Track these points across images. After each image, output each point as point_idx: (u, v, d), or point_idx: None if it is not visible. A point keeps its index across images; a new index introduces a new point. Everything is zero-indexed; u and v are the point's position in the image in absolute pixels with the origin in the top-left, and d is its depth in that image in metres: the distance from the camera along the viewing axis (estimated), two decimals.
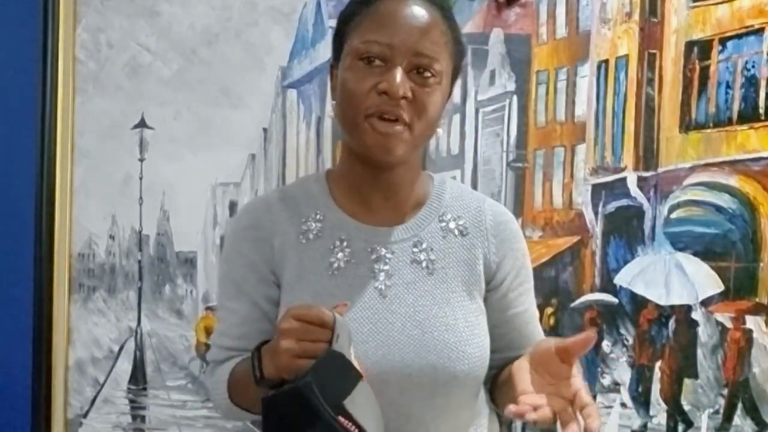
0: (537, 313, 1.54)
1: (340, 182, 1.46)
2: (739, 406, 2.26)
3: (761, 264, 2.23)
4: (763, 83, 2.22)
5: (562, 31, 2.40)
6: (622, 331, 2.34)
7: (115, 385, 2.48)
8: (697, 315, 2.29)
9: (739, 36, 2.25)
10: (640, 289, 2.33)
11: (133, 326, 2.48)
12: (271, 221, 1.42)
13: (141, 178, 2.44)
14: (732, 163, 2.25)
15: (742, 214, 2.25)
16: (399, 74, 1.33)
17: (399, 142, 1.35)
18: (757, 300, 2.23)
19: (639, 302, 2.33)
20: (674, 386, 2.31)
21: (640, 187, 2.33)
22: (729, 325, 2.26)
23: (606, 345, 2.36)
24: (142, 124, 2.43)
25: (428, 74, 1.35)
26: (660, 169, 2.32)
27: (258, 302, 1.42)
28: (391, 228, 1.43)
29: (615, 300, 2.34)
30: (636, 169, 2.33)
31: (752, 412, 2.25)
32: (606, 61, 2.37)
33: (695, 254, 2.29)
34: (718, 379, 2.28)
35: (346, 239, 1.41)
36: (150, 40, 2.43)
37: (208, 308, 2.48)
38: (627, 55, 2.35)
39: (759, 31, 2.22)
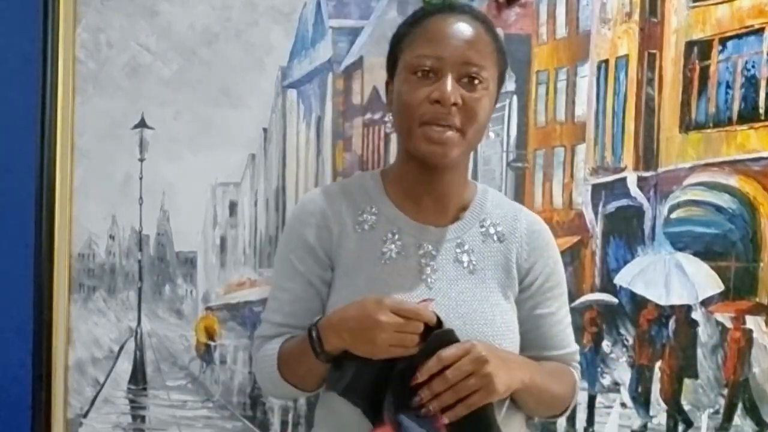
0: (567, 319, 1.64)
1: (394, 181, 1.59)
2: (739, 406, 2.26)
3: (761, 264, 2.23)
4: (763, 83, 2.23)
5: (562, 31, 2.40)
6: (622, 331, 2.35)
7: (115, 385, 2.48)
8: (697, 315, 2.29)
9: (739, 36, 2.25)
10: (640, 289, 2.33)
11: (133, 326, 2.48)
12: (332, 210, 1.56)
13: (141, 178, 2.44)
14: (732, 163, 2.25)
15: (742, 214, 2.26)
16: (449, 83, 1.46)
17: (452, 147, 1.48)
18: (757, 300, 2.24)
19: (639, 302, 2.33)
20: (674, 386, 2.31)
21: (640, 187, 2.33)
22: (729, 325, 2.26)
23: (606, 345, 2.36)
24: (142, 124, 2.43)
25: (476, 81, 1.48)
26: (660, 169, 2.32)
27: (313, 282, 1.54)
28: (438, 228, 1.56)
29: (615, 300, 2.34)
30: (636, 169, 2.34)
31: (752, 412, 2.25)
32: (606, 61, 2.37)
33: (695, 254, 2.29)
34: (718, 379, 2.28)
35: (398, 232, 1.55)
36: (150, 40, 2.43)
37: (208, 308, 2.48)
38: (627, 55, 2.35)
39: (759, 31, 2.23)
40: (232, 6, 2.43)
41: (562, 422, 2.37)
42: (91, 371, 2.47)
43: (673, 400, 2.31)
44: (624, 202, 2.35)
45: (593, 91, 2.37)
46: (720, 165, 2.26)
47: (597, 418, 2.37)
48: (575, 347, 1.65)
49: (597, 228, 2.36)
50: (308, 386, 1.52)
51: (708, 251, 2.28)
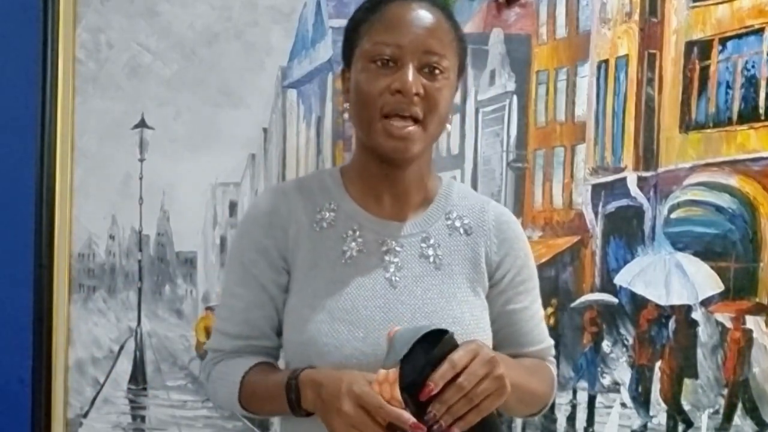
0: (540, 313, 1.58)
1: (354, 177, 1.51)
2: (739, 406, 2.26)
3: (761, 264, 2.23)
4: (763, 83, 2.22)
5: (562, 31, 2.40)
6: (622, 331, 2.34)
7: (115, 385, 2.48)
8: (697, 315, 2.29)
9: (739, 36, 2.25)
10: (640, 289, 2.33)
11: (133, 326, 2.48)
12: (287, 208, 1.47)
13: (141, 178, 2.44)
14: (732, 163, 2.25)
15: (742, 214, 2.25)
16: (411, 72, 1.39)
17: (414, 142, 1.41)
18: (757, 300, 2.23)
19: (639, 302, 2.33)
20: (674, 386, 2.31)
21: (640, 187, 2.33)
22: (729, 325, 2.26)
23: (606, 345, 2.36)
24: (142, 124, 2.43)
25: (437, 71, 1.41)
26: (660, 169, 2.32)
27: (266, 287, 1.45)
28: (401, 223, 1.48)
29: (615, 300, 2.34)
30: (636, 169, 2.33)
31: (752, 412, 2.25)
32: (606, 61, 2.37)
33: (695, 254, 2.29)
34: (718, 379, 2.28)
35: (359, 229, 1.46)
36: (150, 40, 2.43)
37: (208, 308, 2.48)
38: (627, 55, 2.35)
39: (759, 31, 2.22)
40: (232, 6, 2.43)
41: (562, 422, 2.37)
42: (91, 371, 2.47)
43: (673, 400, 2.31)
44: (624, 202, 2.35)
45: (593, 91, 2.37)
46: (720, 165, 2.26)
47: (597, 418, 2.37)
48: (550, 342, 1.58)
49: (597, 228, 2.36)
50: (274, 416, 1.47)
51: (708, 251, 2.28)
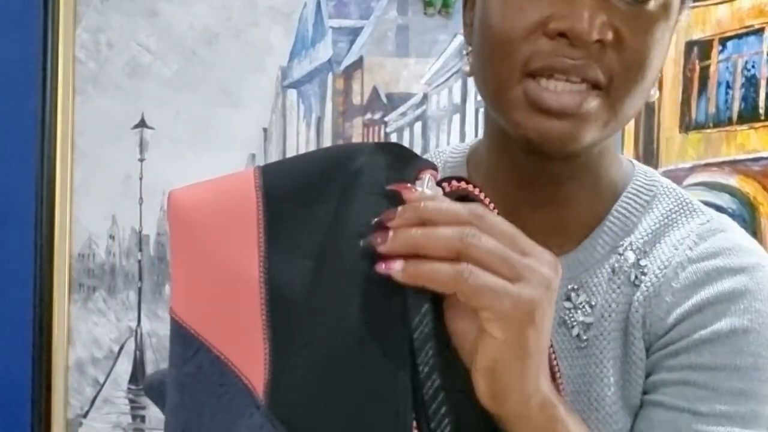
0: None
1: (479, 171, 0.92)
2: None
3: None
4: (763, 83, 2.22)
5: None
6: None
7: (115, 385, 2.47)
8: None
9: (739, 36, 2.25)
10: None
11: (133, 326, 2.47)
12: None
13: (141, 178, 2.44)
14: (732, 163, 2.25)
15: (742, 214, 2.25)
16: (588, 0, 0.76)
17: (587, 123, 0.78)
18: None
19: None
20: None
21: None
22: None
23: None
24: (142, 124, 2.43)
25: None
26: (660, 169, 2.32)
27: None
28: None
29: None
30: None
31: None
32: None
33: None
34: None
35: None
36: (150, 40, 2.43)
37: None
38: None
39: (759, 31, 2.23)
40: (232, 6, 2.43)
41: None
42: (91, 371, 2.46)
43: None
44: None
45: None
46: (720, 165, 2.26)
47: None
48: None
49: None
50: None
51: None
